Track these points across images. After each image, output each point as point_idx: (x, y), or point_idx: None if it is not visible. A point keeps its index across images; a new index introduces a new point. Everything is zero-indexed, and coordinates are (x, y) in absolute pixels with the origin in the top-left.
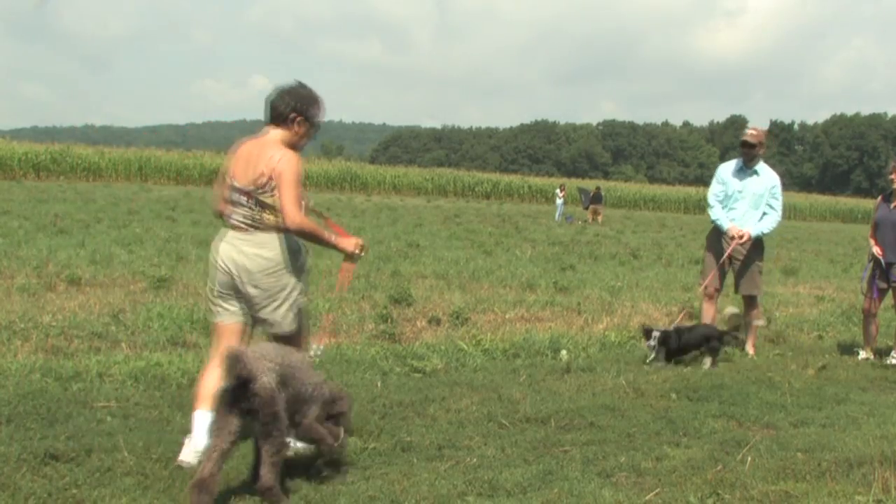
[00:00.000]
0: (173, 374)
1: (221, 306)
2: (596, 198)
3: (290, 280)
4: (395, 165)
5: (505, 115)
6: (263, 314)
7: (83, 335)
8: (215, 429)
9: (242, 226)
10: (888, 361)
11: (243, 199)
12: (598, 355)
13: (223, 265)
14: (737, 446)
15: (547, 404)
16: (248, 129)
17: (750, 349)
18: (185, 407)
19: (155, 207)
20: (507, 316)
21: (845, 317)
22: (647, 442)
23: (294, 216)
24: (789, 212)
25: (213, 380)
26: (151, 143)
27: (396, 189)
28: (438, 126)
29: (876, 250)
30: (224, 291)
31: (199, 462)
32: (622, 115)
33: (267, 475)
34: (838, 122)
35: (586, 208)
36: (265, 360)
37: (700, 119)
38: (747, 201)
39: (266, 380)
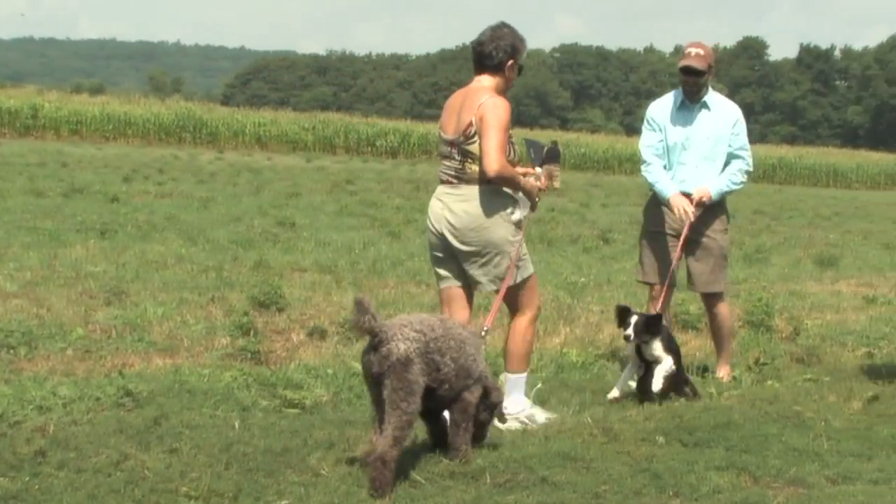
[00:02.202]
0: None
1: (439, 272)
2: (551, 155)
3: (499, 236)
4: (258, 108)
5: (418, 37)
6: (473, 272)
7: None
8: (373, 400)
9: (450, 179)
10: None
11: (451, 150)
12: (552, 381)
13: (433, 226)
14: None
15: (480, 452)
16: None
17: (723, 371)
18: None
19: None
20: None
21: None
22: None
23: (492, 162)
24: (825, 176)
25: None
26: None
27: (261, 143)
28: (321, 52)
29: None
30: (438, 254)
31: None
32: (587, 38)
33: (383, 444)
34: None
35: (538, 168)
36: (408, 328)
37: None
38: (698, 151)
39: (400, 346)
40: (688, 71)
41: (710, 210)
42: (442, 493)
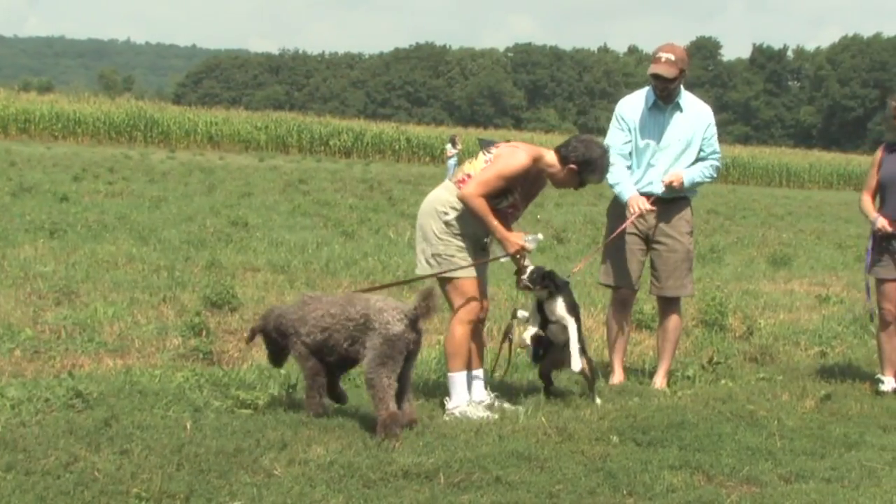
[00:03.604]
0: None
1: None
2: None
3: (433, 228)
4: (210, 107)
5: (372, 35)
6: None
7: None
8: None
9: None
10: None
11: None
12: (505, 381)
13: None
14: None
15: (434, 452)
16: None
17: (661, 380)
18: None
19: None
20: None
21: (859, 325)
22: None
23: (466, 186)
24: (779, 176)
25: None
26: None
27: (213, 142)
28: (274, 51)
29: (882, 222)
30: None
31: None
32: (541, 37)
33: (413, 409)
34: (850, 46)
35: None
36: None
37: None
38: (670, 153)
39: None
40: (658, 78)
41: (675, 211)
42: (396, 493)
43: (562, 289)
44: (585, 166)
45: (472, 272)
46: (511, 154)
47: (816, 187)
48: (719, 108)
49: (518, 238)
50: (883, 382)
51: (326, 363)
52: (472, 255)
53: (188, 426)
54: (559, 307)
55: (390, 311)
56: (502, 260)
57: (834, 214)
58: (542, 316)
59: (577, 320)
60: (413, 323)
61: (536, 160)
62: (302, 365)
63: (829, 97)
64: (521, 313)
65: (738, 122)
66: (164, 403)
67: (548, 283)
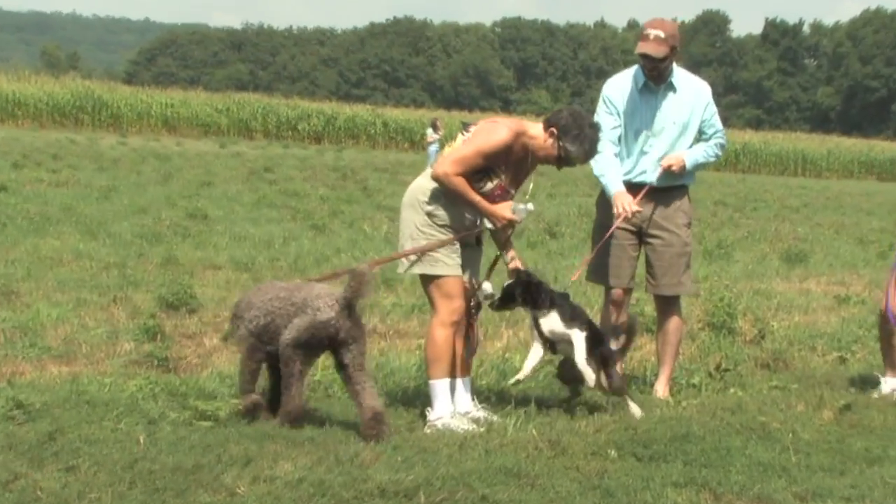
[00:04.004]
0: None
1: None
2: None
3: (415, 221)
4: (166, 88)
5: (345, 8)
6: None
7: None
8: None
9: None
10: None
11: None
12: (490, 390)
13: None
14: None
15: (413, 468)
16: None
17: (663, 387)
18: None
19: None
20: None
21: None
22: None
23: (439, 164)
24: (794, 164)
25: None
26: None
27: (169, 126)
28: (237, 25)
29: None
30: None
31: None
32: (532, 11)
33: (377, 403)
34: (872, 20)
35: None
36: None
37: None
38: (665, 139)
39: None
40: (647, 58)
41: (671, 200)
42: None
43: (554, 302)
44: (566, 132)
45: (456, 270)
46: (491, 129)
47: (835, 176)
48: (728, 88)
49: (504, 210)
50: (883, 383)
51: (269, 356)
52: (462, 251)
53: (141, 440)
54: (554, 323)
55: (325, 297)
56: (486, 229)
57: (854, 206)
58: (542, 335)
59: (588, 329)
60: (347, 309)
61: (519, 134)
62: (241, 353)
63: (849, 77)
64: (487, 286)
65: (748, 104)
66: (114, 415)
67: (528, 298)
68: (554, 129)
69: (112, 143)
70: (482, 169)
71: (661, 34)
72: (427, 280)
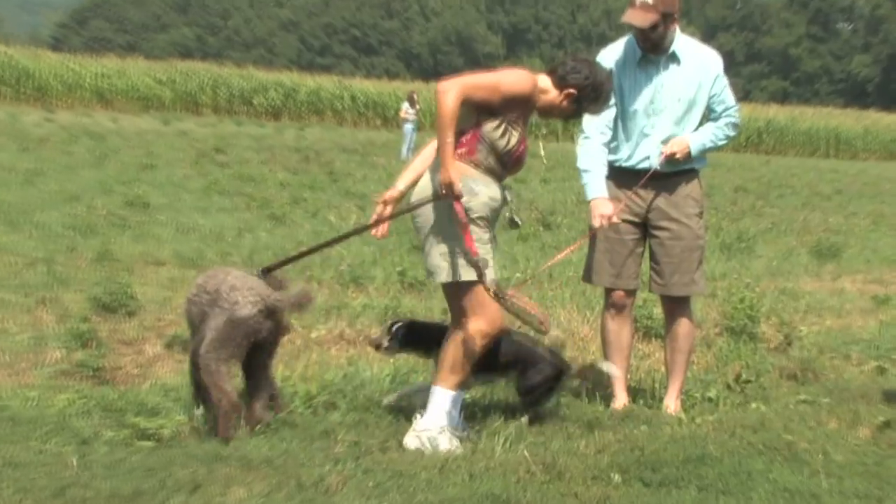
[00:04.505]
0: None
1: None
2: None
3: (449, 213)
4: (100, 55)
5: None
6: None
7: None
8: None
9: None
10: None
11: None
12: (479, 404)
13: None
14: None
15: (387, 495)
16: None
17: (673, 402)
18: None
19: None
20: (312, 335)
21: None
22: None
23: (449, 81)
24: (825, 144)
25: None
26: None
27: (104, 99)
28: None
29: None
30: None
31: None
32: None
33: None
34: None
35: None
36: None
37: None
38: (667, 118)
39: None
40: (633, 27)
41: (679, 186)
42: None
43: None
44: (589, 92)
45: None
46: (517, 72)
47: (873, 158)
48: (750, 57)
49: (457, 172)
50: None
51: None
52: (490, 246)
53: (73, 462)
54: None
55: (244, 290)
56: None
57: (895, 193)
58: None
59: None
60: (271, 311)
61: (535, 87)
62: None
63: (888, 43)
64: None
65: (773, 75)
66: (41, 434)
67: (408, 340)
68: (573, 91)
69: (37, 120)
70: (490, 111)
71: (648, 0)
72: (459, 288)
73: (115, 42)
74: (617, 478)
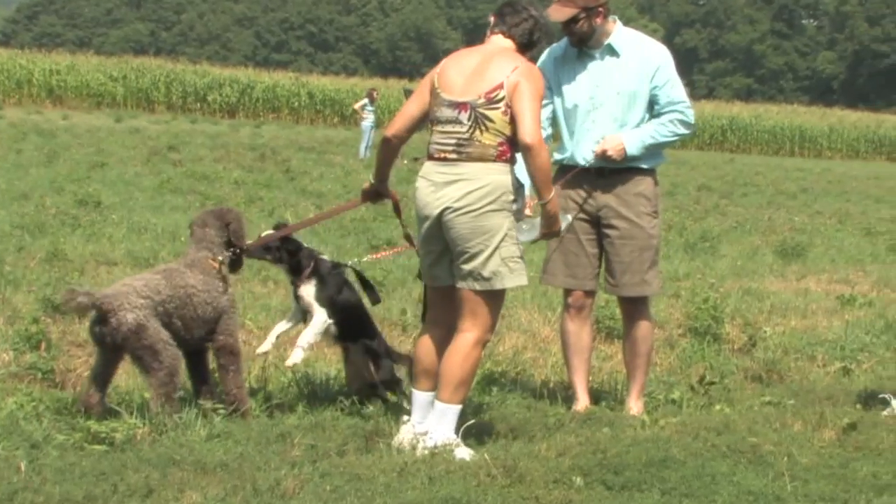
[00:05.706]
0: None
1: (433, 272)
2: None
3: (495, 225)
4: (50, 50)
5: None
6: (466, 266)
7: None
8: (102, 363)
9: (446, 154)
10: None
11: (458, 114)
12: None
13: (423, 213)
14: None
15: (345, 499)
16: None
17: (635, 404)
18: None
19: None
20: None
21: (893, 334)
22: None
23: (530, 129)
24: (790, 142)
25: (428, 355)
26: None
27: (54, 96)
28: None
29: None
30: (433, 248)
31: None
32: None
33: (155, 405)
34: None
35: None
36: (133, 296)
37: None
38: (607, 114)
39: (128, 317)
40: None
41: (629, 183)
42: None
43: (313, 269)
44: (544, 35)
45: None
46: (530, 72)
47: (838, 156)
48: (713, 53)
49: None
50: (892, 403)
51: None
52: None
53: (22, 467)
54: (306, 293)
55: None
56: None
57: (861, 192)
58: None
59: (351, 314)
60: (99, 318)
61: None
62: None
63: (854, 40)
64: None
65: (737, 72)
66: None
67: (289, 258)
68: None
69: None
70: None
71: None
72: (493, 293)
73: (66, 37)
74: (579, 481)
